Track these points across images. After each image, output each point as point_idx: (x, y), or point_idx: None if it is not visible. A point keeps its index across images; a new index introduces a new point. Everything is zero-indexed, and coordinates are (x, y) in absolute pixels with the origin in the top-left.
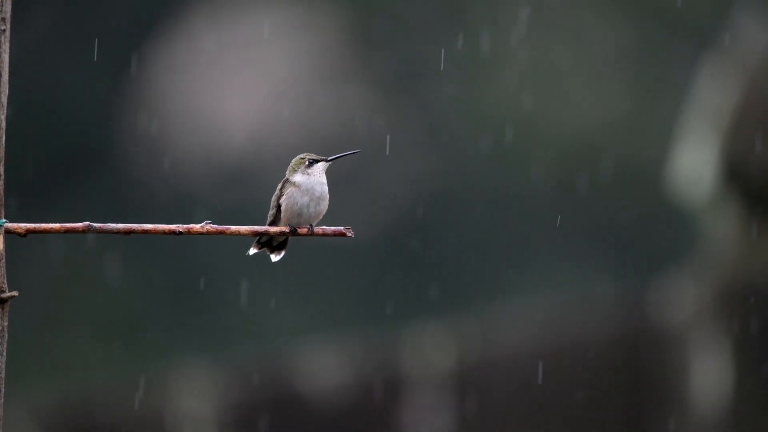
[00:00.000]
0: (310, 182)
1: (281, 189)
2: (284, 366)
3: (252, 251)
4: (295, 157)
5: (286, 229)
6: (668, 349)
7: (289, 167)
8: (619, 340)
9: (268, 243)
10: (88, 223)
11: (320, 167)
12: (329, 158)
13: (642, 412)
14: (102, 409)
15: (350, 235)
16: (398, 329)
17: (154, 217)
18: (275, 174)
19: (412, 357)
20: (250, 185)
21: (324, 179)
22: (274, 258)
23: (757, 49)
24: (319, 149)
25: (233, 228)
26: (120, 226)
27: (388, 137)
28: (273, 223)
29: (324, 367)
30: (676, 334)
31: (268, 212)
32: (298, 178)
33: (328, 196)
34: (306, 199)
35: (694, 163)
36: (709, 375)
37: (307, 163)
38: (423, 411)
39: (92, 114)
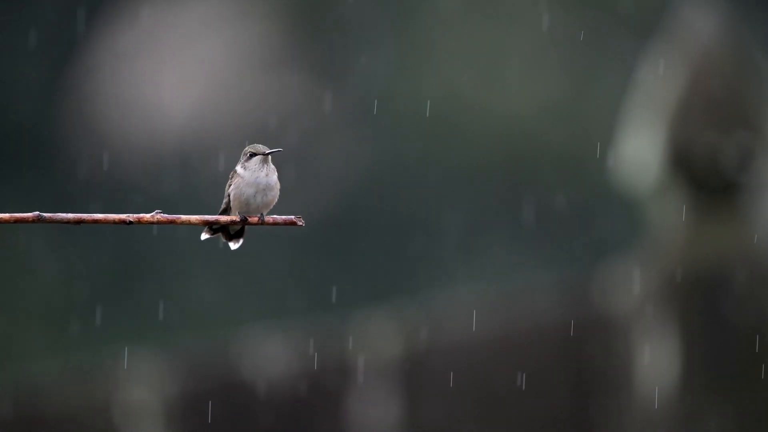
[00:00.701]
0: (250, 174)
1: (231, 178)
2: (230, 354)
3: (204, 236)
4: (245, 147)
5: (237, 218)
6: (614, 336)
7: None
8: (565, 327)
9: (224, 230)
10: (38, 213)
11: (256, 160)
12: (267, 152)
13: (588, 398)
14: (48, 399)
15: (301, 224)
16: (344, 317)
17: (96, 206)
18: (215, 161)
19: (358, 345)
20: (190, 173)
21: (264, 171)
22: (233, 246)
23: (702, 37)
24: (258, 136)
25: (184, 217)
26: (70, 216)
27: (327, 123)
28: (225, 212)
29: (270, 355)
30: (622, 321)
31: (209, 199)
32: (239, 170)
33: (276, 186)
34: (252, 190)
35: (639, 151)
36: (654, 362)
37: (248, 155)
38: (370, 399)
39: (34, 102)
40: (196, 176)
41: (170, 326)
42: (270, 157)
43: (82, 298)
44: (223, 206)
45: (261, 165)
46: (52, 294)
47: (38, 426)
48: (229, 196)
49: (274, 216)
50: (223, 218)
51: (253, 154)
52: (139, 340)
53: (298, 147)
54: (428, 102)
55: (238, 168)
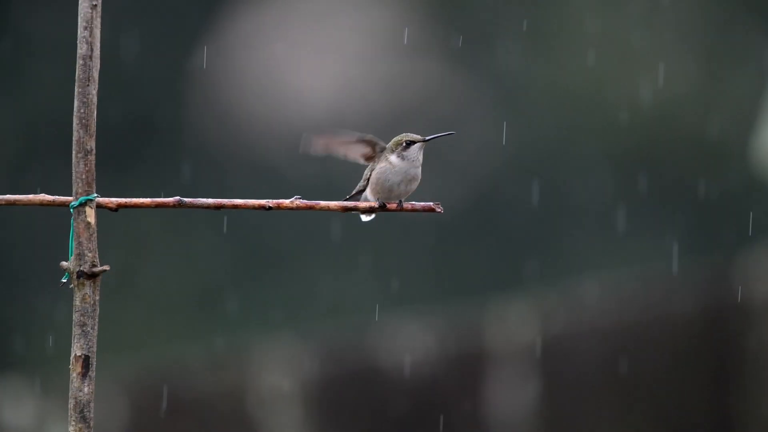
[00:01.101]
0: (403, 165)
1: (375, 162)
2: (367, 340)
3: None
4: (398, 135)
5: (375, 204)
6: (754, 325)
7: (390, 144)
8: (704, 315)
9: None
10: (178, 198)
11: (416, 148)
12: (426, 138)
13: (727, 388)
14: (185, 383)
15: (440, 210)
16: (481, 303)
17: (231, 192)
18: None
19: (495, 331)
20: (326, 158)
21: (419, 161)
22: (365, 218)
23: None
24: (392, 122)
25: (323, 203)
26: (210, 201)
27: (463, 109)
28: (359, 193)
29: (407, 341)
30: (762, 309)
31: (344, 185)
32: (393, 158)
33: (420, 176)
34: (398, 178)
35: None
36: None
37: (404, 144)
38: (506, 386)
39: (164, 87)
40: (333, 162)
41: (307, 312)
42: (425, 145)
43: (219, 284)
44: (358, 188)
45: (418, 153)
46: (189, 280)
47: (175, 412)
48: (368, 179)
49: (413, 202)
50: (362, 204)
51: (410, 143)
52: (275, 326)
53: (434, 133)
54: (563, 88)
55: (394, 156)
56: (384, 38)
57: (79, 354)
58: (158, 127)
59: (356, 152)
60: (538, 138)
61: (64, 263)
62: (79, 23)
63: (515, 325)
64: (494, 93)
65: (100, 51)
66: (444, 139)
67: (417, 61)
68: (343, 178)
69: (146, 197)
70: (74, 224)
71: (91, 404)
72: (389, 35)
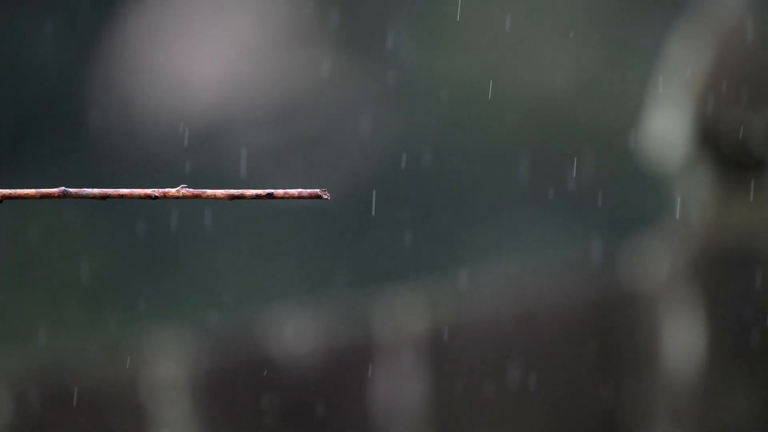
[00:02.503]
0: None
1: None
2: (256, 331)
3: None
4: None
5: (262, 192)
6: (641, 314)
7: None
8: (592, 304)
9: None
10: (63, 188)
11: None
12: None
13: (612, 377)
14: (74, 375)
15: (327, 197)
16: (370, 293)
17: (122, 182)
18: (242, 137)
19: (384, 322)
20: (217, 148)
21: None
22: None
23: (729, 12)
24: (285, 112)
25: (209, 192)
26: (95, 191)
27: (355, 99)
28: None
29: (296, 331)
30: (649, 299)
31: (234, 175)
32: None
33: None
34: None
35: (666, 127)
36: (681, 340)
37: None
38: (396, 376)
39: (61, 76)
40: (226, 152)
41: (196, 302)
42: None
43: (108, 274)
44: None
45: None
46: (77, 270)
47: (64, 402)
48: None
49: (300, 189)
50: (249, 192)
51: None
52: (165, 316)
53: (324, 123)
54: (456, 77)
55: None
56: (278, 28)
57: None
58: (48, 118)
59: None
60: (431, 128)
61: None
62: None
63: (404, 316)
64: (384, 81)
65: None
66: (330, 127)
67: (310, 51)
68: (233, 167)
69: (32, 188)
70: None
71: None
72: (283, 25)
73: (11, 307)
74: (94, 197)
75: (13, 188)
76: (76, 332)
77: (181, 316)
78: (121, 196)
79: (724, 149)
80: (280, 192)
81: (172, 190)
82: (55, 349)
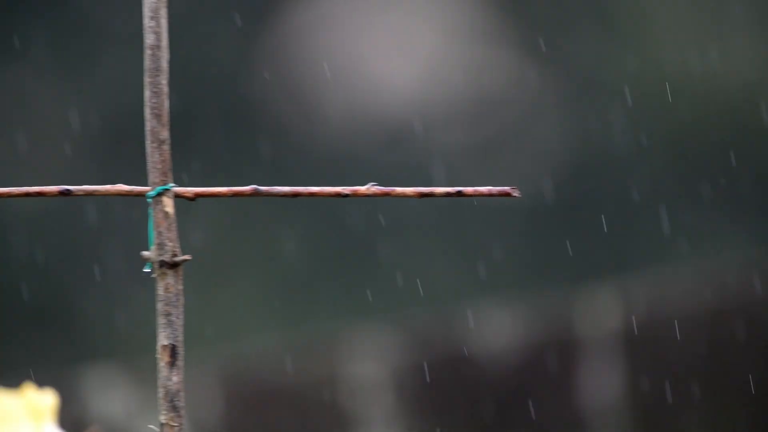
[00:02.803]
0: None
1: None
2: (456, 327)
3: None
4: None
5: (451, 190)
6: None
7: None
8: None
9: None
10: (254, 186)
11: None
12: None
13: None
14: (275, 372)
15: (517, 195)
16: (569, 291)
17: (313, 180)
18: (435, 134)
19: (584, 318)
20: (405, 145)
21: None
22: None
23: None
24: (475, 109)
25: (398, 190)
26: (286, 189)
27: (541, 96)
28: None
29: (496, 328)
30: None
31: (423, 173)
32: None
33: None
34: None
35: None
36: None
37: None
38: (595, 374)
39: (248, 76)
40: (412, 148)
41: (395, 300)
42: None
43: (307, 272)
44: None
45: None
46: (277, 268)
47: (264, 400)
48: None
49: (489, 187)
50: (438, 190)
51: None
52: (365, 314)
53: (513, 121)
54: (644, 73)
55: None
56: (464, 25)
57: (165, 343)
58: (234, 115)
59: None
60: (615, 125)
61: (145, 253)
62: (144, 13)
63: (604, 312)
64: (576, 81)
65: (169, 40)
66: (521, 127)
67: (493, 48)
68: (423, 165)
69: (223, 186)
70: (153, 214)
71: (181, 393)
72: (469, 22)
73: (217, 306)
74: (284, 195)
75: (206, 186)
76: (279, 331)
77: (381, 314)
78: (312, 194)
79: None
80: (469, 190)
81: (362, 188)
82: (258, 347)
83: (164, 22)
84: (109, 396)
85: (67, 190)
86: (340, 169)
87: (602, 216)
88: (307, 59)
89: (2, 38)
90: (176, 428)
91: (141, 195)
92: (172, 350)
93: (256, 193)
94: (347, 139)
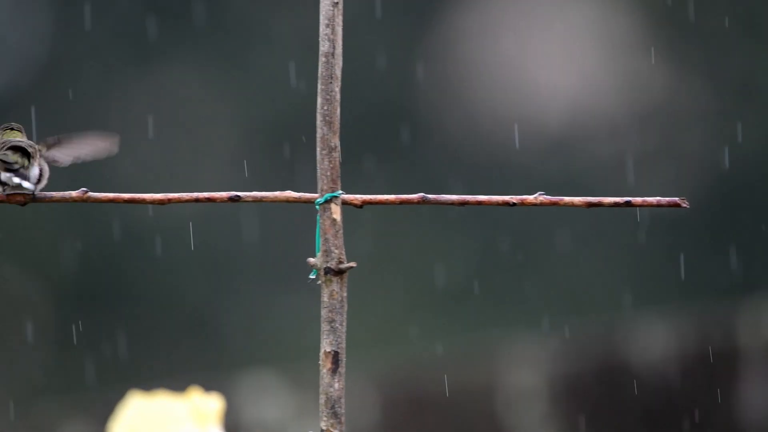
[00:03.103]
0: None
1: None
2: (613, 337)
3: None
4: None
5: (620, 200)
6: None
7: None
8: None
9: None
10: (422, 194)
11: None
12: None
13: None
14: (432, 380)
15: (685, 205)
16: (729, 303)
17: (473, 188)
18: (597, 143)
19: (747, 331)
20: (572, 155)
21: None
22: None
23: None
24: (641, 119)
25: (567, 199)
26: (454, 197)
27: (701, 106)
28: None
29: (654, 338)
30: None
31: (588, 182)
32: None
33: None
34: None
35: None
36: None
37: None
38: (758, 386)
39: (407, 85)
40: (579, 158)
41: (552, 309)
42: None
43: (464, 281)
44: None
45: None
46: (435, 276)
47: (425, 405)
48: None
49: (658, 198)
50: (607, 200)
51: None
52: (520, 322)
53: (672, 132)
54: None
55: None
56: (619, 36)
57: (328, 350)
58: (399, 123)
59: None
60: None
61: (311, 260)
62: (320, 21)
63: (766, 324)
64: (733, 90)
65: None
66: (689, 137)
67: (648, 59)
68: (586, 174)
69: (390, 194)
70: (320, 221)
71: (342, 400)
72: (624, 34)
73: (372, 313)
74: (452, 204)
75: (373, 194)
76: (438, 338)
77: (539, 322)
78: (479, 203)
79: None
80: (638, 200)
81: (530, 197)
82: (415, 354)
83: (339, 30)
84: (268, 401)
85: (237, 196)
86: (499, 177)
87: (763, 226)
88: (470, 68)
89: (167, 44)
90: None
91: (309, 202)
92: (335, 357)
93: (423, 201)
94: (508, 147)
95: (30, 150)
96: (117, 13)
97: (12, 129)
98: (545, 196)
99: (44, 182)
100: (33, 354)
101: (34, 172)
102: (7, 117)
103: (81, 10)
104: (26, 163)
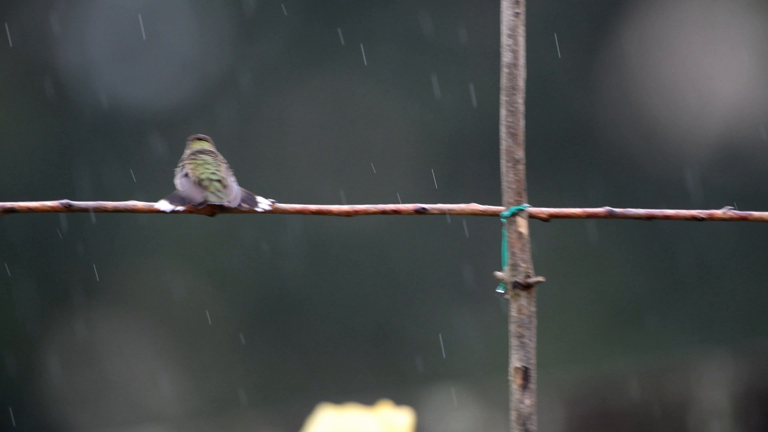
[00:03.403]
0: None
1: None
2: None
3: None
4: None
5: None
6: None
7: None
8: None
9: None
10: (609, 208)
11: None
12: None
13: None
14: (623, 394)
15: None
16: None
17: (653, 201)
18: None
19: None
20: (748, 166)
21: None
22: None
23: None
24: None
25: (756, 214)
26: (641, 211)
27: None
28: None
29: None
30: None
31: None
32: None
33: None
34: None
35: None
36: None
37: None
38: None
39: (591, 96)
40: (756, 170)
41: (739, 327)
42: None
43: (651, 297)
44: None
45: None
46: (619, 292)
47: (611, 420)
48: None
49: None
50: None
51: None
52: (712, 339)
53: None
54: None
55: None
56: None
57: (518, 366)
58: (583, 135)
59: None
60: None
61: (498, 273)
62: (502, 31)
63: None
64: None
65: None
66: None
67: None
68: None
69: (575, 207)
70: (506, 234)
71: (534, 417)
72: None
73: (561, 328)
74: (639, 218)
75: (560, 207)
76: (625, 354)
77: (723, 340)
78: (667, 217)
79: None
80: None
81: (718, 212)
82: (604, 370)
83: (521, 41)
84: (457, 416)
85: (423, 208)
86: (674, 190)
87: None
88: (649, 80)
89: (349, 58)
90: None
91: (495, 215)
92: (525, 373)
93: (610, 215)
94: (685, 160)
95: (223, 172)
96: (298, 29)
97: (200, 139)
98: (734, 210)
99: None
100: (223, 367)
101: (234, 190)
102: (194, 128)
103: (260, 25)
104: (224, 184)
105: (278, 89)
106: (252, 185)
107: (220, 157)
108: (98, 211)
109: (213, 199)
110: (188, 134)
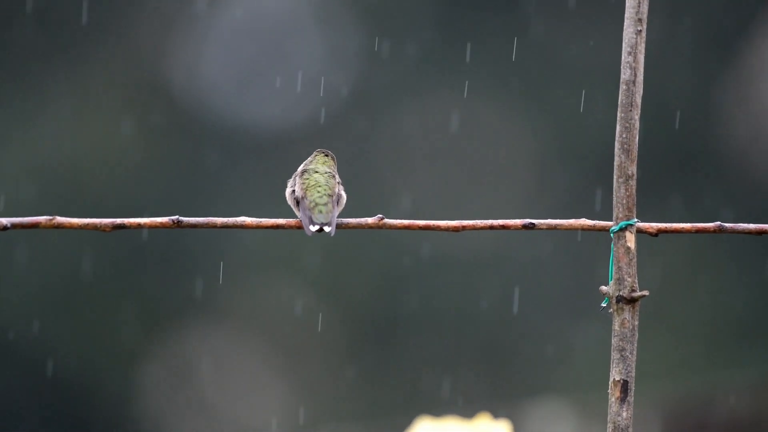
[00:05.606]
0: None
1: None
2: None
3: None
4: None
5: None
6: None
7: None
8: None
9: None
10: (719, 223)
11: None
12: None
13: None
14: (721, 408)
15: None
16: None
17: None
18: None
19: None
20: None
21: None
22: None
23: None
24: None
25: None
26: (752, 226)
27: None
28: None
29: None
30: None
31: None
32: None
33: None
34: None
35: None
36: None
37: None
38: None
39: (698, 108)
40: None
41: None
42: None
43: (752, 314)
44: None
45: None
46: (723, 308)
47: None
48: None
49: None
50: None
51: None
52: None
53: None
54: None
55: None
56: None
57: (617, 378)
58: (691, 150)
59: None
60: None
61: (603, 287)
62: (623, 49)
63: None
64: None
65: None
66: None
67: None
68: None
69: (684, 222)
70: (614, 249)
71: (630, 429)
72: None
73: (661, 343)
74: (749, 233)
75: (669, 222)
76: (724, 370)
77: None
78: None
79: None
80: None
81: None
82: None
83: (641, 58)
84: (556, 429)
85: (531, 223)
86: None
87: None
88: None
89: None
90: None
91: (604, 230)
92: (624, 386)
93: (720, 230)
94: None
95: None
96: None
97: (325, 155)
98: None
99: (340, 209)
100: (329, 381)
101: (335, 216)
102: (320, 143)
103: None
104: (329, 206)
105: (398, 108)
106: (370, 201)
107: (336, 177)
108: (207, 227)
109: (317, 220)
110: (306, 153)
